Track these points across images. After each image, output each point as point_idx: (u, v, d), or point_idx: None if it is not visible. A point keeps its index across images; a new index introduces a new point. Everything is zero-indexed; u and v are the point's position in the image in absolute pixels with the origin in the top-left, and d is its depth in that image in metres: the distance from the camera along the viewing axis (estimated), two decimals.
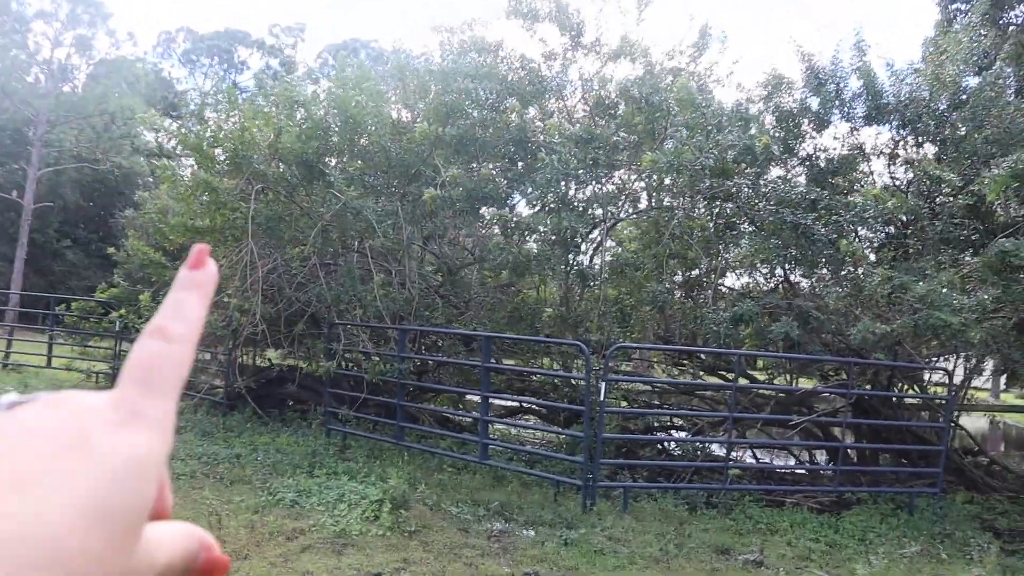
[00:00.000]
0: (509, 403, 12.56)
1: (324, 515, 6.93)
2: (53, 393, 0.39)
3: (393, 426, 9.84)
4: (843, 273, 9.93)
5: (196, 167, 10.48)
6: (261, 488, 7.70)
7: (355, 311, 10.07)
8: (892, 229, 11.01)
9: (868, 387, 10.37)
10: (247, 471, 8.39)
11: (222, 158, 9.81)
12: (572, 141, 9.85)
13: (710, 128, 10.00)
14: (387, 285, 10.32)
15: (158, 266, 10.74)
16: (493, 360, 10.12)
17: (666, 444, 10.46)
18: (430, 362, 11.28)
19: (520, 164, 11.14)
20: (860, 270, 9.55)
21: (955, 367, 10.64)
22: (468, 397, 11.58)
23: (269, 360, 13.13)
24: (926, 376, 11.20)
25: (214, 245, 10.57)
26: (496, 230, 12.36)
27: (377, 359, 10.31)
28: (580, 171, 9.85)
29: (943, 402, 10.03)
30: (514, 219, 11.62)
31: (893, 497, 9.11)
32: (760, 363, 12.09)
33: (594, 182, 10.78)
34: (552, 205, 10.27)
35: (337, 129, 10.25)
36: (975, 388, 14.03)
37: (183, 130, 10.46)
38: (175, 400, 0.39)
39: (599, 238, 11.75)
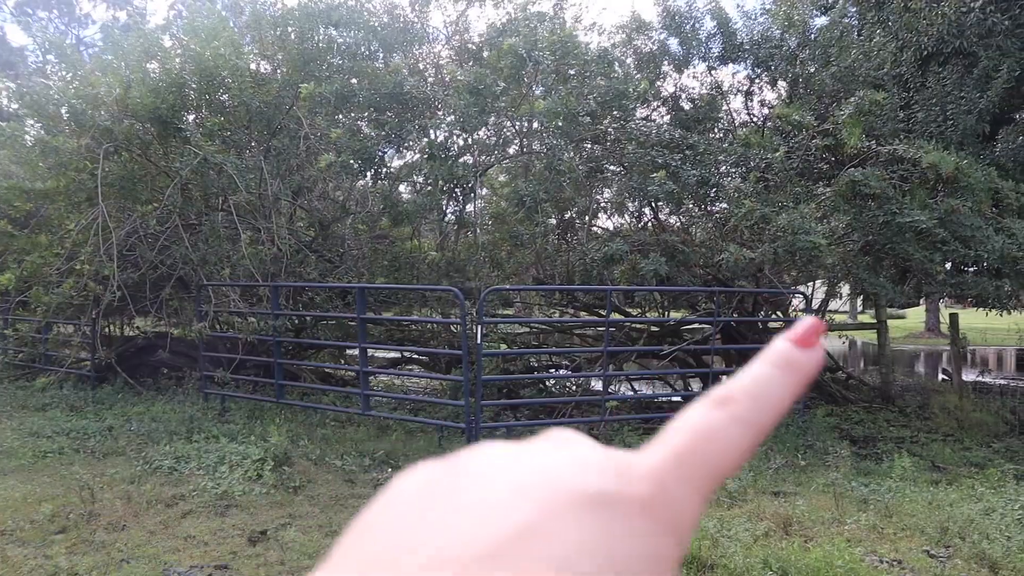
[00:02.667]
0: (392, 354, 12.55)
1: (205, 479, 6.79)
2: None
3: (273, 385, 9.69)
4: (714, 208, 10.32)
5: (40, 129, 9.86)
6: (136, 458, 7.47)
7: (224, 271, 9.78)
8: (753, 163, 11.48)
9: (734, 314, 10.86)
10: (120, 443, 8.11)
11: (66, 116, 9.25)
12: (467, 91, 9.73)
13: (582, 74, 10.12)
14: (256, 243, 10.04)
15: (4, 235, 10.09)
16: (370, 312, 10.06)
17: (547, 383, 10.70)
18: (307, 318, 11.11)
19: (391, 115, 10.98)
20: (727, 205, 9.94)
21: (813, 291, 11.28)
22: (349, 351, 11.50)
23: (138, 328, 12.61)
24: (791, 302, 11.81)
25: (63, 209, 10.03)
26: (370, 182, 12.19)
27: (253, 319, 10.08)
28: (472, 121, 9.77)
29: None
30: (390, 169, 11.47)
31: None
32: (636, 299, 12.47)
33: (474, 131, 10.75)
34: (429, 153, 10.18)
35: (194, 84, 9.81)
36: (835, 311, 14.82)
37: (23, 89, 9.80)
38: (706, 491, 0.31)
39: (472, 184, 11.77)
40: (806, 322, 0.35)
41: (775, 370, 0.34)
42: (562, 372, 10.96)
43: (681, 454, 0.31)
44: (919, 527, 5.84)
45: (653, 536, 0.28)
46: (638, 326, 11.00)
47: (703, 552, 5.09)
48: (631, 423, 9.27)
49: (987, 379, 14.21)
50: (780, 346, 0.34)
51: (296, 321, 10.93)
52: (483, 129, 11.00)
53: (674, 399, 10.93)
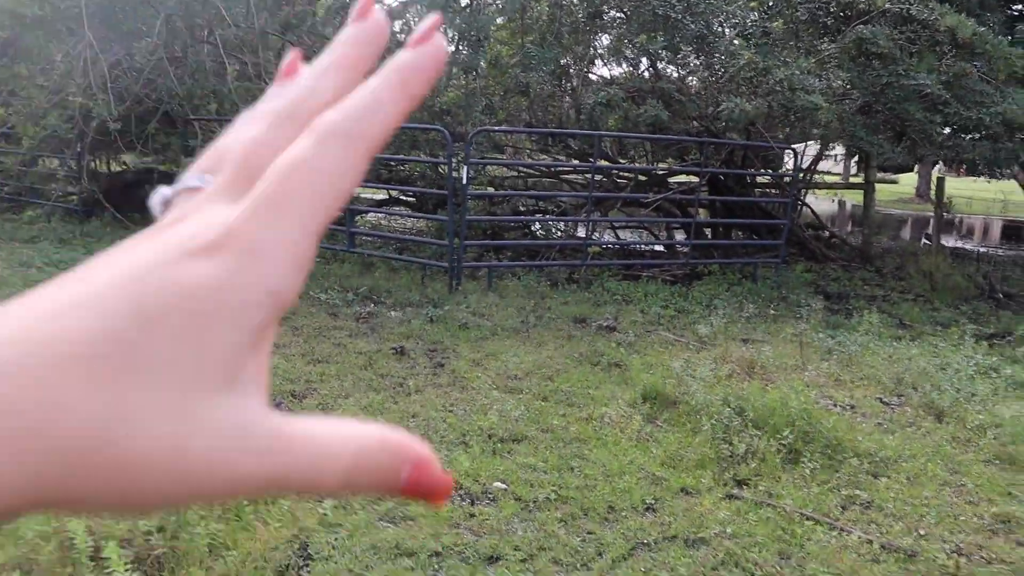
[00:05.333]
0: (379, 195, 12.56)
1: None
2: (193, 186, 0.31)
3: None
4: (714, 58, 10.11)
5: None
6: None
7: (211, 106, 9.62)
8: (756, 15, 11.15)
9: (723, 167, 10.86)
10: None
11: None
12: None
13: None
14: (243, 78, 9.84)
15: None
16: None
17: (531, 227, 10.79)
18: None
19: None
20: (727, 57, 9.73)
21: (805, 148, 11.24)
22: None
23: (125, 164, 12.51)
24: (784, 160, 11.79)
25: (46, 38, 9.74)
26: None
27: None
28: None
29: (790, 180, 10.67)
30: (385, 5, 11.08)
31: (740, 268, 9.83)
32: (626, 148, 12.40)
33: None
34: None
35: None
36: (828, 173, 14.78)
37: None
38: (310, 232, 0.29)
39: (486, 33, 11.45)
40: (423, 28, 0.32)
41: (390, 78, 0.31)
42: (547, 217, 11.02)
43: (267, 197, 0.28)
44: (876, 377, 6.11)
45: (231, 278, 0.27)
46: (625, 174, 11.00)
47: (668, 390, 5.35)
48: (612, 268, 9.44)
49: (967, 245, 14.39)
50: (398, 57, 0.31)
51: None
52: None
53: (657, 248, 11.08)
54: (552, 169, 11.63)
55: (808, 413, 4.79)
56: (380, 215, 12.41)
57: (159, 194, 0.32)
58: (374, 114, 0.30)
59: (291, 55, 0.35)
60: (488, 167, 10.81)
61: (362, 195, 12.46)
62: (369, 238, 10.58)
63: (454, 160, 8.32)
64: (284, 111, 0.32)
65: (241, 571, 3.18)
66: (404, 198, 11.93)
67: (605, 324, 7.27)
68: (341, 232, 9.62)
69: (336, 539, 3.52)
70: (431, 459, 0.30)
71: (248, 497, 0.30)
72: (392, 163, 11.17)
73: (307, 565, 3.33)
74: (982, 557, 3.75)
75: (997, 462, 4.79)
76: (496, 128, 10.64)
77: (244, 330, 0.27)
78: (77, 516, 0.38)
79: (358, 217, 11.33)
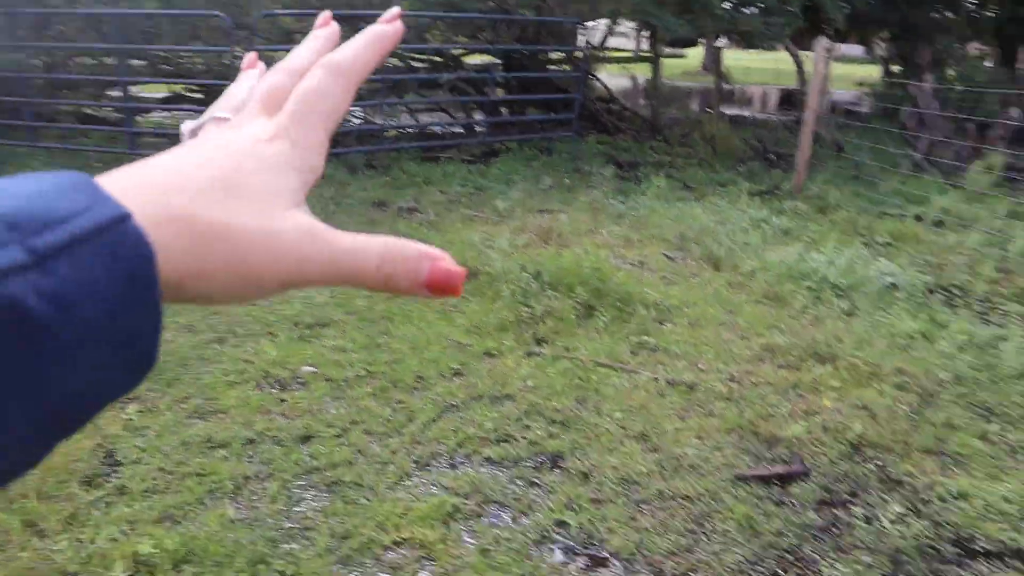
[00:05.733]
0: (166, 93, 11.70)
1: None
2: (222, 117, 0.44)
3: (24, 128, 8.87)
4: None
5: None
6: None
7: None
8: None
9: (516, 44, 10.90)
10: None
11: None
12: None
13: None
14: None
15: None
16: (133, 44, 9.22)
17: None
18: (58, 52, 10.00)
19: None
20: None
21: (596, 24, 11.45)
22: (111, 91, 10.60)
23: None
24: (576, 36, 11.93)
25: None
26: None
27: None
28: None
29: (581, 55, 10.89)
30: None
31: (537, 143, 10.05)
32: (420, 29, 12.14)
33: None
34: None
35: None
36: (619, 49, 15.11)
37: None
38: (326, 131, 0.42)
39: None
40: (390, 13, 0.47)
41: (371, 41, 0.45)
42: None
43: (295, 110, 0.41)
44: (662, 235, 6.54)
45: (288, 153, 0.40)
46: (420, 56, 10.82)
47: (469, 262, 5.49)
48: (410, 151, 9.39)
49: (745, 113, 15.35)
50: (375, 27, 0.46)
51: (46, 57, 9.81)
52: None
53: (455, 129, 11.09)
54: None
55: (600, 272, 5.09)
56: (165, 114, 11.58)
57: (187, 124, 0.44)
58: (360, 59, 0.44)
59: (250, 56, 0.51)
60: (276, 55, 10.28)
61: (142, 93, 11.57)
62: (154, 139, 9.90)
63: (237, 49, 7.87)
64: (291, 67, 0.44)
65: (43, 487, 3.07)
66: (189, 94, 11.18)
67: (406, 206, 7.29)
68: (122, 133, 8.97)
69: (144, 441, 3.45)
70: (445, 255, 0.40)
71: (316, 281, 0.39)
72: (170, 55, 10.40)
73: (115, 471, 3.25)
74: (752, 381, 4.21)
75: (765, 301, 5.31)
76: (283, 11, 10.10)
77: (301, 182, 0.40)
78: (207, 300, 0.42)
79: (140, 117, 10.57)
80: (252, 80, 0.48)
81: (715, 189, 8.50)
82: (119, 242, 0.30)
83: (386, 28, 0.46)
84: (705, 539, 3.02)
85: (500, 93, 11.35)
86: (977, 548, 3.07)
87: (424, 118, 11.15)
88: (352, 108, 10.14)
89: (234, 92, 0.47)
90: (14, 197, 0.30)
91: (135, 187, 0.34)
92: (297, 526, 2.96)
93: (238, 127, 0.42)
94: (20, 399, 0.28)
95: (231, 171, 0.38)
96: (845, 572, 2.88)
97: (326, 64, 0.43)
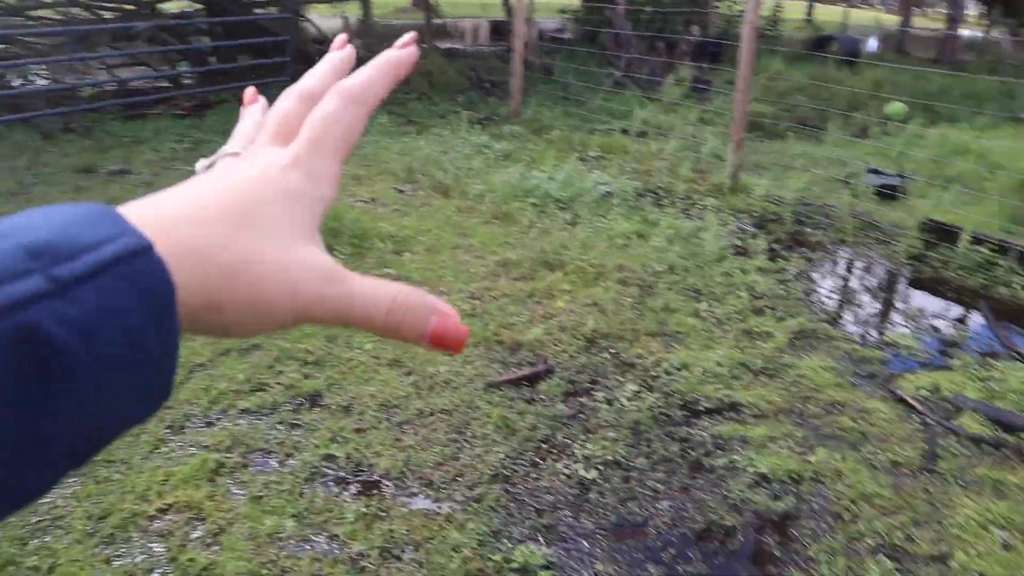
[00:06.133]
0: None
1: None
2: (234, 152, 0.43)
3: None
4: None
5: None
6: None
7: None
8: None
9: None
10: None
11: None
12: None
13: None
14: None
15: None
16: None
17: (4, 76, 9.34)
18: None
19: None
20: None
21: None
22: None
23: None
24: None
25: None
26: None
27: None
28: None
29: None
30: None
31: None
32: None
33: None
34: None
35: None
36: None
37: None
38: (340, 160, 0.42)
39: None
40: (407, 35, 0.47)
41: (382, 68, 0.44)
42: (22, 61, 9.58)
43: (311, 139, 0.41)
44: (391, 170, 6.58)
45: (303, 183, 0.40)
46: (109, 4, 9.90)
47: None
48: (112, 111, 8.64)
49: (459, 45, 15.62)
50: (388, 53, 0.45)
51: None
52: None
53: (161, 84, 10.33)
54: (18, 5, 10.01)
55: (333, 211, 5.04)
56: None
57: (201, 163, 0.44)
58: (374, 86, 0.44)
59: (250, 90, 0.51)
60: None
61: None
62: None
63: None
64: (303, 93, 0.44)
65: None
66: None
67: (116, 169, 6.75)
68: None
69: None
70: (454, 313, 0.40)
71: (327, 320, 0.39)
72: None
73: None
74: (491, 296, 4.42)
75: (495, 221, 5.55)
76: None
77: (314, 214, 0.40)
78: (222, 332, 0.36)
79: None
80: (257, 115, 0.48)
81: (436, 121, 8.64)
82: (141, 272, 0.30)
83: (400, 54, 0.46)
84: (467, 445, 3.18)
85: (206, 41, 10.70)
86: (700, 408, 3.50)
87: (123, 73, 10.27)
88: (35, 67, 9.16)
89: (241, 130, 0.47)
90: (38, 228, 0.29)
91: (154, 218, 0.34)
92: (47, 518, 2.75)
93: (252, 157, 0.42)
94: (38, 425, 0.27)
95: (247, 202, 0.38)
96: (595, 449, 3.17)
97: (339, 91, 0.43)
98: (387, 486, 2.92)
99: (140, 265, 0.30)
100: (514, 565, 2.57)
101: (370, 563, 2.55)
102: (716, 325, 4.24)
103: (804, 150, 7.92)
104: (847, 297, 4.96)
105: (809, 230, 5.86)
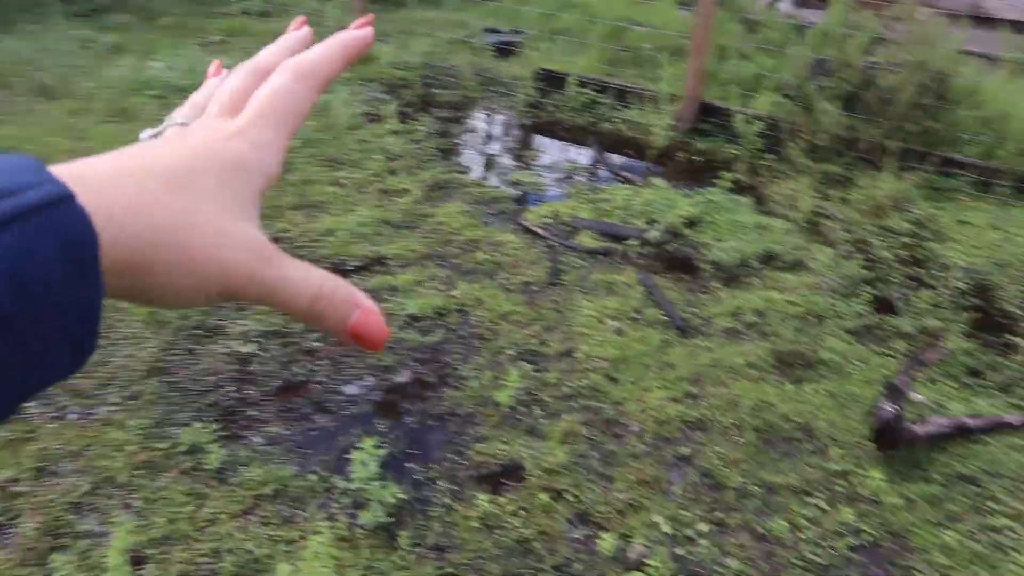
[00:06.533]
0: None
1: None
2: (182, 123, 0.43)
3: None
4: None
5: None
6: None
7: None
8: None
9: None
10: None
11: None
12: None
13: None
14: None
15: None
16: None
17: None
18: None
19: None
20: None
21: None
22: None
23: None
24: None
25: None
26: None
27: None
28: None
29: None
30: None
31: None
32: None
33: None
34: None
35: None
36: None
37: None
38: (286, 134, 0.42)
39: None
40: (364, 16, 0.48)
41: (334, 47, 0.45)
42: None
43: (255, 113, 0.41)
44: None
45: (246, 154, 0.40)
46: None
47: None
48: None
49: None
50: (342, 33, 0.46)
51: None
52: None
53: None
54: None
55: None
56: None
57: (146, 132, 0.43)
58: (325, 63, 0.44)
59: (215, 63, 0.51)
60: None
61: None
62: None
63: None
64: (254, 68, 0.45)
65: None
66: None
67: None
68: None
69: None
70: (376, 309, 0.40)
71: (252, 299, 0.37)
72: None
73: None
74: None
75: (113, 119, 5.15)
76: None
77: (254, 188, 0.40)
78: (146, 298, 0.25)
79: None
80: (212, 87, 0.47)
81: (24, 16, 7.63)
82: (62, 221, 0.29)
83: (354, 34, 0.46)
84: (116, 347, 3.07)
85: None
86: (349, 268, 3.64)
87: None
88: None
89: (195, 99, 0.47)
90: None
91: (82, 175, 0.33)
92: None
93: (197, 128, 0.42)
94: None
95: (185, 169, 0.37)
96: (250, 324, 3.21)
97: (290, 66, 0.43)
98: (31, 408, 2.76)
99: (61, 214, 0.30)
100: (182, 448, 2.59)
101: (24, 486, 2.44)
102: (356, 190, 4.37)
103: (425, 16, 8.12)
104: (475, 147, 5.31)
105: (436, 91, 6.11)
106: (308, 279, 0.39)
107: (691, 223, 4.17)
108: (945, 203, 4.67)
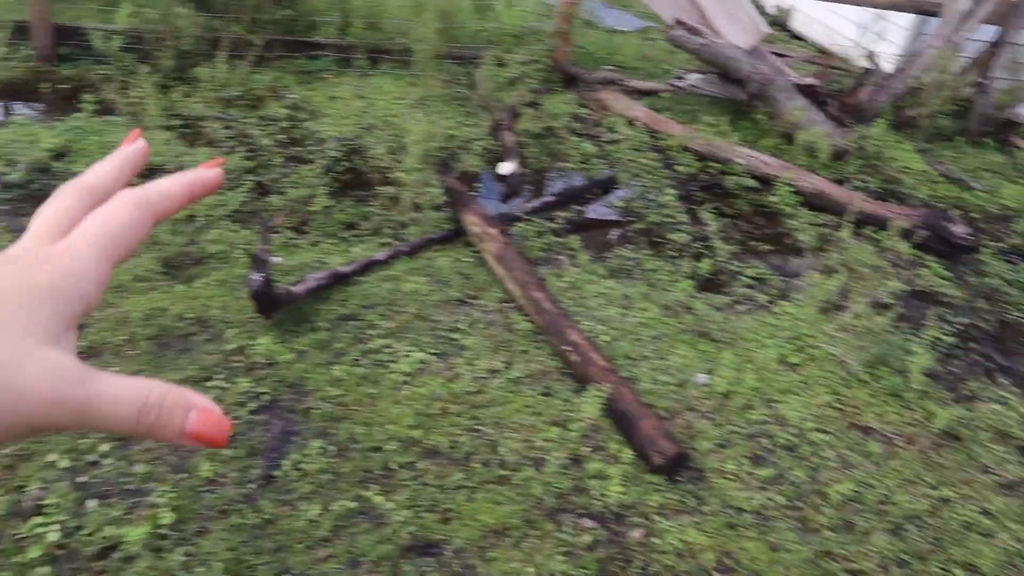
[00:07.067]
0: None
1: None
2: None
3: None
4: None
5: None
6: None
7: None
8: None
9: None
10: None
11: None
12: None
13: None
14: None
15: None
16: None
17: None
18: None
19: None
20: None
21: None
22: None
23: None
24: None
25: None
26: None
27: None
28: None
29: None
30: None
31: None
32: None
33: None
34: None
35: None
36: None
37: None
38: (110, 262, 0.39)
39: None
40: (212, 161, 0.45)
41: (183, 182, 0.43)
42: None
43: (83, 237, 0.38)
44: None
45: (57, 280, 0.36)
46: None
47: None
48: None
49: None
50: (192, 171, 0.44)
51: None
52: None
53: None
54: None
55: None
56: None
57: None
58: (168, 197, 0.42)
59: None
60: None
61: None
62: None
63: None
64: (84, 187, 0.41)
65: None
66: None
67: None
68: None
69: None
70: (213, 406, 0.37)
71: (68, 426, 0.33)
72: None
73: None
74: None
75: None
76: None
77: (65, 314, 0.36)
78: None
79: None
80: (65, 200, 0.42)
81: None
82: None
83: (204, 174, 0.44)
84: None
85: None
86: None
87: None
88: None
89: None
90: None
91: None
92: None
93: (11, 250, 0.38)
94: None
95: None
96: None
97: (132, 196, 0.41)
98: None
99: None
100: None
101: None
102: None
103: None
104: None
105: None
106: (129, 393, 0.35)
107: (60, 155, 3.89)
108: (316, 84, 4.99)
